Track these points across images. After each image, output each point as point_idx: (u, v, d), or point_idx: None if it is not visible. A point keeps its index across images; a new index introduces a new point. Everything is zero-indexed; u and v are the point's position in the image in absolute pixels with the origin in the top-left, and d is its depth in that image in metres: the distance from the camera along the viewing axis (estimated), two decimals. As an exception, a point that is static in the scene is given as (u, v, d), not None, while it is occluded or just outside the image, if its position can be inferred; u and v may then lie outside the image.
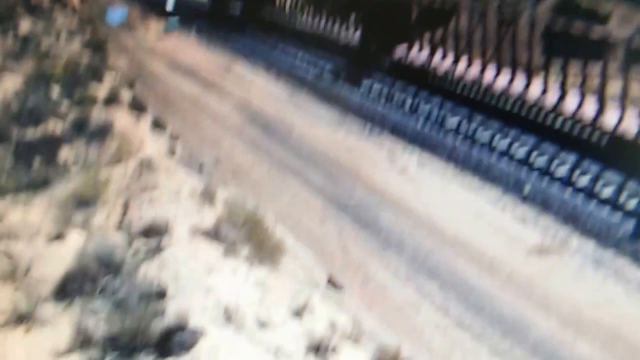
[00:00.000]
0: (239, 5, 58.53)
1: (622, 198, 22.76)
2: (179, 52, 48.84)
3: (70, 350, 12.83)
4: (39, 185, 20.57)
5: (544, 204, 23.26)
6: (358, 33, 41.00)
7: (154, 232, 17.51)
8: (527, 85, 29.24)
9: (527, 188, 24.06)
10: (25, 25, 48.50)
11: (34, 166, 22.10)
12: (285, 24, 49.78)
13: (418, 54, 35.56)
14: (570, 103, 27.07)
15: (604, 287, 18.95)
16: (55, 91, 30.77)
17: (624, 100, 25.50)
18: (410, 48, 36.17)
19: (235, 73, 42.18)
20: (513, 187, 24.54)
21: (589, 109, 26.16)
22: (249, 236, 17.94)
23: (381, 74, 36.17)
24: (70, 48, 42.77)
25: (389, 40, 37.37)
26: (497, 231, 21.48)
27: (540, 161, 25.70)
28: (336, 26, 43.52)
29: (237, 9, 58.36)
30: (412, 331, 16.87)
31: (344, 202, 23.33)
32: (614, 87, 25.96)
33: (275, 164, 26.96)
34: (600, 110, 25.85)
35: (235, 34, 53.81)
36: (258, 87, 38.87)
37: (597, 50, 27.21)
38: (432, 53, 34.84)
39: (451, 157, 27.27)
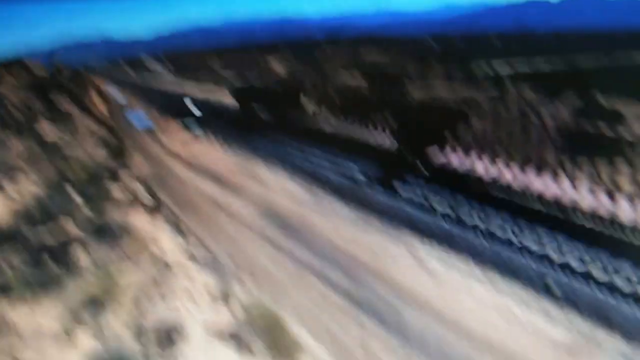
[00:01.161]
0: (265, 110, 59.40)
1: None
2: (198, 154, 49.10)
3: None
4: (49, 285, 20.15)
5: (569, 300, 22.47)
6: (388, 136, 41.94)
7: (169, 334, 16.97)
8: (548, 183, 29.32)
9: (552, 283, 23.38)
10: (46, 128, 48.90)
11: (46, 266, 21.73)
12: (313, 128, 50.42)
13: (448, 155, 35.98)
14: (598, 201, 27.00)
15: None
16: (76, 196, 30.65)
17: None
18: (442, 150, 36.67)
19: (255, 174, 42.07)
20: (538, 283, 23.79)
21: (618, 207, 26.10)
22: (266, 335, 17.34)
23: (413, 176, 36.34)
24: (89, 150, 42.96)
25: (423, 143, 37.73)
26: (523, 329, 20.66)
27: (563, 257, 25.23)
28: (365, 129, 44.18)
29: (265, 113, 59.15)
30: None
31: (364, 300, 22.64)
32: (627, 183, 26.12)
33: (295, 264, 26.44)
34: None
35: (255, 136, 54.23)
36: (278, 187, 38.63)
37: (615, 148, 27.32)
38: (458, 153, 35.19)
39: (473, 253, 26.67)
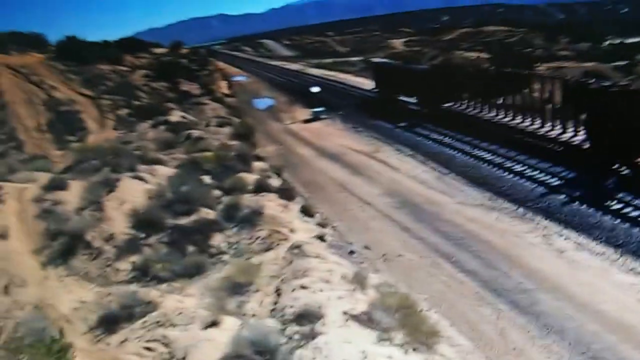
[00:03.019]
0: (414, 99, 57.56)
1: None
2: (325, 139, 49.41)
3: None
4: (193, 272, 20.87)
5: None
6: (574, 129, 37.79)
7: (307, 318, 17.33)
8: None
9: None
10: (176, 115, 50.12)
11: (188, 253, 22.48)
12: (469, 115, 48.71)
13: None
14: None
15: None
16: (207, 179, 31.43)
17: None
18: None
19: (382, 158, 42.20)
20: None
21: None
22: (402, 321, 17.47)
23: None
24: (219, 136, 43.88)
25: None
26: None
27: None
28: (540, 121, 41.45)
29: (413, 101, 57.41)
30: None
31: (499, 286, 22.58)
32: None
33: (426, 248, 26.52)
34: None
35: (393, 123, 53.52)
36: (405, 172, 38.65)
37: None
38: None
39: (610, 238, 26.02)
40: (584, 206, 29.19)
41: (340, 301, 18.87)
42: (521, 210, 29.99)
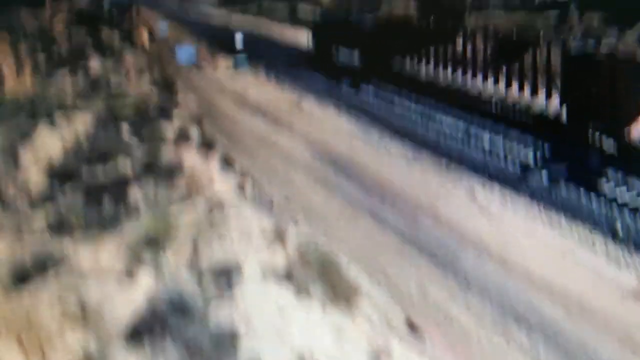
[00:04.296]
0: (354, 54, 55.03)
1: None
2: (248, 90, 48.84)
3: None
4: (108, 225, 20.38)
5: (637, 244, 21.63)
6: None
7: (224, 272, 17.09)
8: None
9: (619, 226, 22.68)
10: (94, 64, 49.13)
11: (104, 206, 21.93)
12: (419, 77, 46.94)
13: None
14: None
15: None
16: (125, 130, 30.81)
17: None
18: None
19: (305, 110, 41.77)
20: (604, 226, 23.11)
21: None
22: (322, 277, 17.30)
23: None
24: (139, 87, 43.08)
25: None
26: (587, 273, 20.20)
27: (631, 197, 24.48)
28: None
29: (354, 57, 55.11)
30: (499, 378, 15.96)
31: (420, 241, 22.43)
32: None
33: (348, 202, 26.25)
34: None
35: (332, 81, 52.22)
36: (329, 124, 38.32)
37: None
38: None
39: (535, 194, 26.03)
40: (510, 163, 29.27)
41: (259, 255, 18.67)
42: (445, 161, 29.92)
